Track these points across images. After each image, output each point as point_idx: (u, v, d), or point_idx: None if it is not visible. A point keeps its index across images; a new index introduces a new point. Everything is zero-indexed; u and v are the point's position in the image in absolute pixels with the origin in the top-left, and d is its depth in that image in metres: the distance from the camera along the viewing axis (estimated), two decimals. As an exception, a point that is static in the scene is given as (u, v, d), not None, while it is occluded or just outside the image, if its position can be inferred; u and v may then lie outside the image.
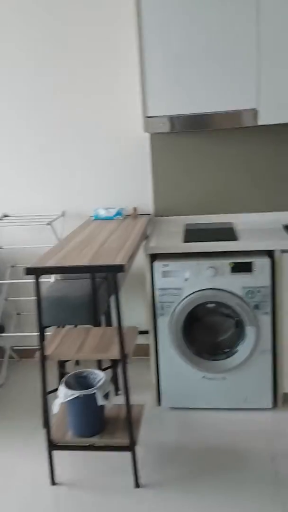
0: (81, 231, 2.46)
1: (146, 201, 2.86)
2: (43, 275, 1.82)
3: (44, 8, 2.67)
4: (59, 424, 2.08)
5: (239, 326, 2.35)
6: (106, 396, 1.98)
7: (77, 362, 2.97)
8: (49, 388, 2.56)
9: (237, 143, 2.73)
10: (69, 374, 2.06)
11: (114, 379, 2.62)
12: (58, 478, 2.05)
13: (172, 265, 2.30)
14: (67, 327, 2.25)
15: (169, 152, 2.78)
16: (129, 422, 1.92)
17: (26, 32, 2.70)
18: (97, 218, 2.79)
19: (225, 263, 2.27)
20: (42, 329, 1.85)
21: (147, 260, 2.34)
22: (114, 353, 1.85)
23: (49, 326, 2.29)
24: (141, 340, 2.94)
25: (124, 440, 1.95)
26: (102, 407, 1.99)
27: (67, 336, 2.05)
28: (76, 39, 2.69)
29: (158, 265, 2.32)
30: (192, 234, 2.51)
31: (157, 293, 2.34)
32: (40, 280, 1.80)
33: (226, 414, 2.41)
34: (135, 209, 2.78)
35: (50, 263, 1.83)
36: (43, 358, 1.89)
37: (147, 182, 2.84)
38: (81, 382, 2.05)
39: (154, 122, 2.42)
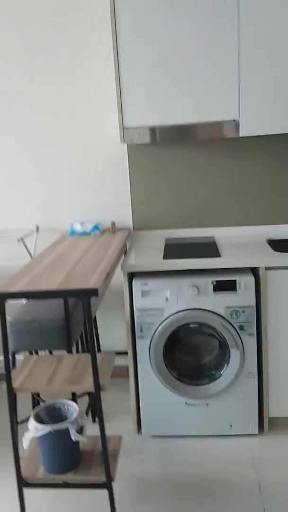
0: (55, 248, 2.31)
1: (125, 215, 2.73)
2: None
3: (17, 21, 2.53)
4: (30, 459, 1.91)
5: (223, 347, 2.22)
6: (80, 429, 1.82)
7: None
8: (22, 416, 2.40)
9: (218, 155, 2.62)
10: (40, 407, 1.90)
11: (92, 406, 2.47)
12: (29, 519, 1.89)
13: (152, 283, 2.17)
14: (41, 352, 2.09)
15: (148, 164, 2.66)
16: (105, 457, 1.77)
17: (2, 44, 2.57)
18: (73, 233, 2.64)
19: (208, 281, 2.14)
20: (8, 360, 1.69)
21: (125, 278, 2.20)
22: (87, 385, 1.70)
23: (18, 352, 2.13)
24: (122, 361, 2.79)
25: (99, 477, 1.80)
26: (76, 441, 1.83)
27: (38, 365, 1.90)
28: (52, 48, 2.56)
29: (137, 283, 2.18)
30: (173, 250, 2.38)
31: (136, 313, 2.20)
32: (7, 304, 1.65)
33: (210, 441, 2.27)
34: (113, 223, 2.64)
35: (17, 287, 1.68)
36: (11, 391, 1.73)
37: (125, 195, 2.71)
38: (53, 414, 1.89)
39: (132, 133, 2.29)
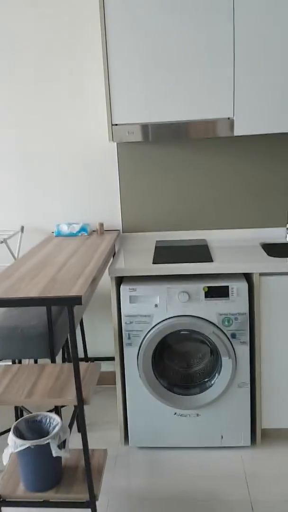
0: (39, 251, 2.20)
1: (114, 216, 2.62)
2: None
3: (5, 22, 2.41)
4: (10, 476, 1.81)
5: (214, 354, 2.13)
6: (63, 444, 1.72)
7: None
8: (6, 426, 2.29)
9: (211, 155, 2.52)
10: (20, 420, 1.79)
11: (77, 416, 2.36)
12: (7, 539, 1.78)
13: (141, 289, 2.07)
14: (25, 361, 1.98)
15: (138, 163, 2.55)
16: (89, 475, 1.66)
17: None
18: (59, 234, 2.53)
19: (199, 287, 2.05)
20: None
21: (113, 283, 2.10)
22: (69, 398, 1.59)
23: None
24: (110, 367, 2.69)
25: (82, 495, 1.70)
26: (58, 457, 1.72)
27: (18, 375, 1.79)
28: (39, 44, 2.45)
29: (125, 289, 2.08)
30: (163, 253, 2.28)
31: (124, 320, 2.10)
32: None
33: (200, 453, 2.18)
34: (101, 224, 2.53)
35: (-4, 293, 1.57)
36: (-12, 403, 1.62)
37: (115, 195, 2.60)
38: (34, 427, 1.79)
39: (121, 131, 2.19)
